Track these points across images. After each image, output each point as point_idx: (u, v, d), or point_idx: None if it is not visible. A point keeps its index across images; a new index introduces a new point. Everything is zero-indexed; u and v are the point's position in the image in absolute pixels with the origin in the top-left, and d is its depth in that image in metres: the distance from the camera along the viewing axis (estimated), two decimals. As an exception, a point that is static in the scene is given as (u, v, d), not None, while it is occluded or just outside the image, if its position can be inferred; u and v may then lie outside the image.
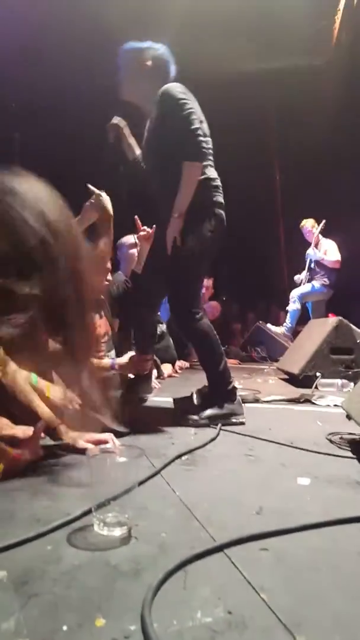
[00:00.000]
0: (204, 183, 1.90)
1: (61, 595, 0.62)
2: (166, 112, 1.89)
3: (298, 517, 0.91)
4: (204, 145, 1.87)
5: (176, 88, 1.90)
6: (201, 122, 1.91)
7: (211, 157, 1.97)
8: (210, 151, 1.97)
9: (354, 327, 3.33)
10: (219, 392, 1.92)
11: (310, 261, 5.50)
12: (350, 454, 1.42)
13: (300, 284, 5.62)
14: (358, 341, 3.29)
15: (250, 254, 8.12)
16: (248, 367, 4.81)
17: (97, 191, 1.96)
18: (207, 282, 4.83)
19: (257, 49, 5.73)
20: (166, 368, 3.56)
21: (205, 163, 1.91)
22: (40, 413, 1.27)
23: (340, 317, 3.38)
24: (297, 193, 7.17)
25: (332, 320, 3.43)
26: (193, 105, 1.88)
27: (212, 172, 1.95)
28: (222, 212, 1.95)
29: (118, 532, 0.81)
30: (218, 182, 1.96)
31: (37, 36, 4.66)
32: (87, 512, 0.87)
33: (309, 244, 5.50)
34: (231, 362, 5.16)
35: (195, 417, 1.84)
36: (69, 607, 0.60)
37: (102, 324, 2.56)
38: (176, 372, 3.89)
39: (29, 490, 1.02)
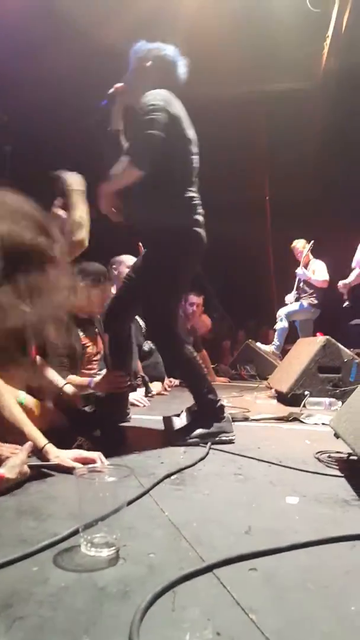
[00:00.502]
0: (185, 202, 1.88)
1: (47, 617, 0.61)
2: (137, 118, 1.84)
3: (287, 537, 0.91)
4: (149, 154, 1.77)
5: (156, 95, 1.82)
6: (188, 137, 1.87)
7: (195, 173, 1.94)
8: (196, 168, 1.93)
9: (341, 346, 3.38)
10: (207, 411, 1.90)
11: (299, 280, 5.60)
12: (338, 473, 1.43)
13: (289, 303, 5.70)
14: (345, 360, 3.33)
15: (241, 273, 8.22)
16: (237, 385, 4.81)
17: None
18: (198, 300, 4.87)
19: (247, 72, 5.91)
20: (155, 386, 3.54)
21: (190, 181, 1.90)
22: (27, 432, 1.25)
23: (328, 337, 3.43)
24: (287, 213, 7.31)
25: (320, 339, 3.47)
26: (164, 114, 1.78)
27: (195, 192, 1.92)
28: (201, 230, 1.93)
29: (106, 552, 0.80)
30: (198, 201, 1.93)
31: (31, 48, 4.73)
32: (75, 533, 0.85)
33: (299, 264, 5.61)
34: (220, 380, 5.18)
35: (185, 437, 1.82)
36: (54, 629, 0.58)
37: (94, 342, 2.56)
38: (165, 389, 3.87)
39: (15, 510, 1.00)
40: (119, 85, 2.00)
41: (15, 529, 0.90)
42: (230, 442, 1.84)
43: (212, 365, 5.48)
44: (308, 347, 3.57)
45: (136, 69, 1.96)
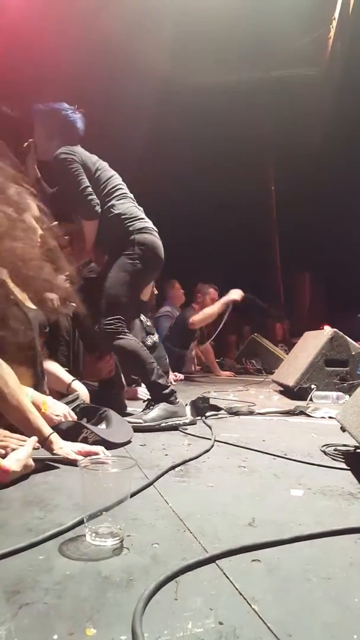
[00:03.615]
0: (115, 219, 2.14)
1: (52, 604, 0.62)
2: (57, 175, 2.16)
3: (291, 529, 0.91)
4: (94, 201, 2.11)
5: (61, 152, 2.11)
6: (95, 167, 2.15)
7: (118, 192, 2.20)
8: (116, 188, 2.20)
9: (349, 339, 3.36)
10: (157, 396, 2.08)
11: None
12: (344, 466, 1.43)
13: None
14: (353, 353, 3.31)
15: (247, 268, 8.19)
16: (243, 379, 4.81)
17: None
18: (213, 294, 4.90)
19: (252, 59, 5.84)
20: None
21: (111, 203, 2.14)
22: (32, 421, 1.26)
23: (335, 329, 3.40)
24: (294, 199, 7.24)
25: (327, 332, 3.45)
26: (77, 165, 2.10)
27: (121, 207, 2.16)
28: (147, 234, 2.16)
29: (110, 542, 0.81)
30: (130, 214, 2.16)
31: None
32: (80, 523, 0.86)
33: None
34: (225, 374, 5.18)
35: (139, 420, 1.96)
36: (60, 616, 0.59)
37: None
38: (170, 383, 3.88)
39: (21, 501, 1.02)
40: (31, 140, 2.27)
41: (21, 518, 0.91)
42: (184, 425, 2.00)
43: (217, 360, 5.48)
44: (315, 340, 3.55)
45: (43, 128, 2.22)
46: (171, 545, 0.83)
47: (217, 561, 0.76)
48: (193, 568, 0.73)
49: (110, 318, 2.07)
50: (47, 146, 2.20)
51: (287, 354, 4.91)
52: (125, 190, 2.25)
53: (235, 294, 4.53)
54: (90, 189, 2.10)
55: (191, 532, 0.88)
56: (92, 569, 0.73)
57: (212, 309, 4.58)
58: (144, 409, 2.10)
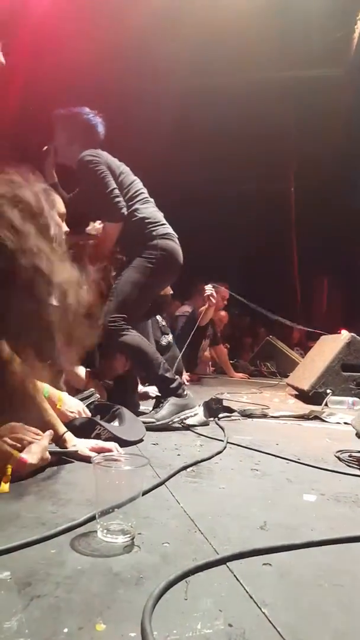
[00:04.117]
0: (139, 223, 2.15)
1: (63, 598, 0.63)
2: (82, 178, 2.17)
3: (303, 534, 0.90)
4: (121, 203, 2.11)
5: (86, 154, 2.13)
6: (119, 171, 2.16)
7: (141, 196, 2.21)
8: (139, 192, 2.21)
9: (366, 344, 3.30)
10: (165, 391, 2.08)
11: None
12: (358, 472, 1.40)
13: None
14: (370, 359, 3.25)
15: (264, 270, 8.13)
16: (257, 382, 4.78)
17: None
18: (224, 293, 4.85)
19: (275, 58, 5.79)
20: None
21: (135, 206, 2.15)
22: (47, 419, 1.28)
23: (353, 334, 3.35)
24: (312, 200, 7.15)
25: (345, 336, 3.40)
26: (103, 167, 2.11)
27: (145, 211, 2.18)
28: (169, 241, 2.18)
29: (121, 539, 0.82)
30: (154, 218, 2.18)
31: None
32: (92, 519, 0.87)
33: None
34: (239, 376, 5.15)
35: (152, 419, 1.96)
36: (70, 610, 0.60)
37: None
38: (184, 383, 3.88)
39: (36, 494, 1.03)
40: (50, 145, 2.29)
41: (35, 512, 0.93)
42: (196, 420, 2.02)
43: (231, 361, 5.45)
44: (332, 344, 3.51)
45: (64, 133, 2.24)
46: (182, 545, 0.83)
47: (227, 563, 0.76)
48: (204, 569, 0.73)
49: (114, 316, 2.08)
50: (68, 150, 2.23)
51: (303, 357, 4.85)
52: (147, 194, 2.27)
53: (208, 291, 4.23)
54: (117, 191, 2.11)
55: (202, 533, 0.88)
56: (103, 565, 0.73)
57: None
58: (154, 407, 2.11)
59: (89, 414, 1.64)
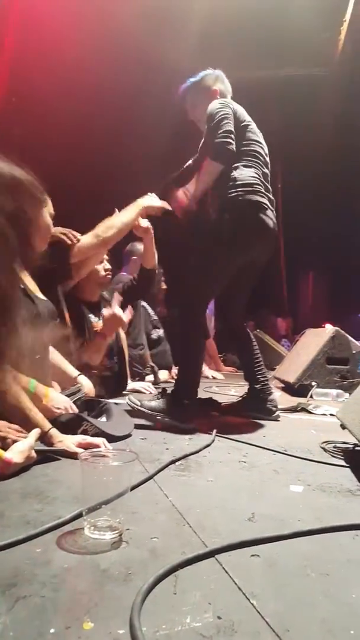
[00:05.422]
0: (232, 183, 1.95)
1: (49, 598, 0.62)
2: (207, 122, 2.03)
3: (290, 524, 0.91)
4: (229, 146, 1.92)
5: (217, 100, 2.04)
6: (245, 124, 2.03)
7: (251, 158, 2.03)
8: (254, 153, 2.04)
9: (350, 337, 3.35)
10: (178, 392, 1.93)
11: None
12: (343, 463, 1.42)
13: None
14: (354, 352, 3.30)
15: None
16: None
17: None
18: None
19: (261, 58, 5.79)
20: (162, 374, 3.55)
21: (237, 164, 1.98)
22: (31, 417, 1.26)
23: (337, 328, 3.39)
24: (300, 196, 7.19)
25: (329, 330, 3.44)
26: (228, 110, 1.98)
27: (243, 173, 1.98)
28: (258, 213, 1.96)
29: (109, 536, 0.81)
30: (250, 181, 1.97)
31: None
32: (78, 516, 0.86)
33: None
34: (227, 370, 5.17)
35: (137, 402, 1.87)
36: (57, 610, 0.59)
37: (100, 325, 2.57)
38: (172, 378, 3.88)
39: (20, 493, 1.01)
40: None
41: (20, 510, 0.91)
42: (187, 429, 1.79)
43: (219, 355, 5.47)
44: (317, 338, 3.55)
45: (199, 92, 2.16)
46: (170, 539, 0.82)
47: (216, 556, 0.76)
48: (192, 562, 0.73)
49: (198, 292, 2.01)
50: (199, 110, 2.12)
51: (289, 350, 4.90)
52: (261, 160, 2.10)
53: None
54: (231, 134, 1.94)
55: (191, 527, 0.88)
56: (91, 562, 0.73)
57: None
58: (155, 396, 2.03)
59: (76, 410, 1.62)
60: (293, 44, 5.70)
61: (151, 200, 2.03)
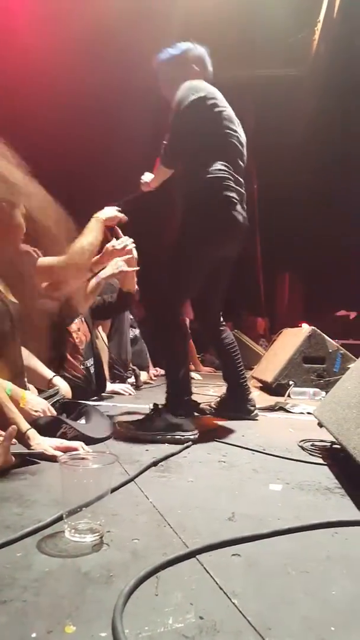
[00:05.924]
0: (209, 178, 1.85)
1: (31, 602, 0.61)
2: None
3: (270, 523, 0.92)
4: (173, 151, 1.92)
5: (188, 87, 1.90)
6: (219, 109, 1.92)
7: (221, 150, 1.91)
8: (226, 143, 1.93)
9: (326, 337, 3.42)
10: (173, 401, 1.79)
11: None
12: (321, 461, 1.45)
13: None
14: (330, 351, 3.37)
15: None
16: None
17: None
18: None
19: (235, 58, 5.83)
20: (142, 376, 3.55)
21: (206, 157, 1.87)
22: (9, 416, 1.24)
23: (314, 327, 3.46)
24: (275, 197, 7.28)
25: (306, 329, 3.50)
26: (197, 102, 1.87)
27: (212, 167, 1.86)
28: (227, 208, 1.88)
29: (90, 538, 0.80)
30: (218, 174, 1.86)
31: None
32: (58, 519, 0.85)
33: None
34: (206, 370, 5.20)
35: (131, 427, 1.69)
36: (38, 614, 0.58)
37: (82, 330, 2.54)
38: (151, 378, 3.87)
39: (-1, 497, 1.00)
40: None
41: (-2, 515, 0.90)
42: (187, 441, 1.63)
43: (197, 355, 5.50)
44: (293, 338, 3.61)
45: (177, 67, 2.03)
46: (151, 540, 0.82)
47: (197, 556, 0.76)
48: (173, 563, 0.73)
49: (173, 291, 1.92)
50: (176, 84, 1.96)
51: (267, 349, 4.96)
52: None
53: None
54: (185, 136, 1.90)
55: (171, 527, 0.88)
56: (72, 565, 0.72)
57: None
58: (147, 415, 1.79)
59: (54, 413, 1.60)
60: (267, 44, 5.76)
61: (108, 212, 1.94)
